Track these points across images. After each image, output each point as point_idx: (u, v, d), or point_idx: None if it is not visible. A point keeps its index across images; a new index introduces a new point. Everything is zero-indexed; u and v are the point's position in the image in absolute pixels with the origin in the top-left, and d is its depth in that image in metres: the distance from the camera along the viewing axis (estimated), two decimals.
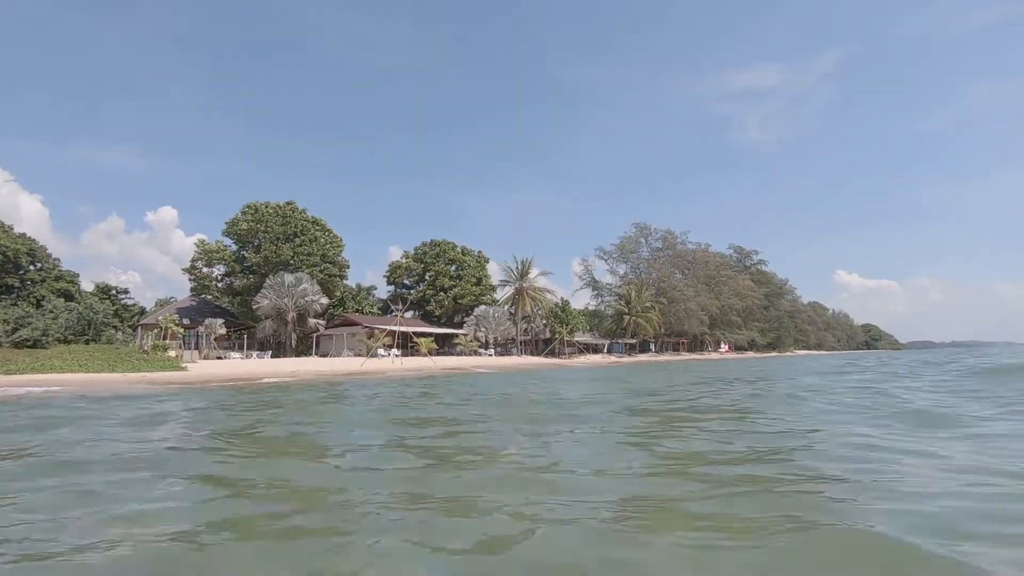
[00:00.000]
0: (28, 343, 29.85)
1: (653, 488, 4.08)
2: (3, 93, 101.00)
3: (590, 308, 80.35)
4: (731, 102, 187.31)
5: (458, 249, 61.88)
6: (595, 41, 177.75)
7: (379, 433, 7.52)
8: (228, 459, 5.71)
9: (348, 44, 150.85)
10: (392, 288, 63.48)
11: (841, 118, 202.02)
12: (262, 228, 46.50)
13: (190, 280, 49.21)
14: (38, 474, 4.85)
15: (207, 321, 39.09)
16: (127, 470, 4.97)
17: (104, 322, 34.80)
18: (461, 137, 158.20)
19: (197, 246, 48.31)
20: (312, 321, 46.02)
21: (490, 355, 51.05)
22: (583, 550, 2.79)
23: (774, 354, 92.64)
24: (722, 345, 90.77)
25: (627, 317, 70.80)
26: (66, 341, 31.74)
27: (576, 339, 64.41)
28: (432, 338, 48.51)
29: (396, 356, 42.45)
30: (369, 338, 43.56)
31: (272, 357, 39.57)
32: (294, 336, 44.88)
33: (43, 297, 39.47)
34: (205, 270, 48.93)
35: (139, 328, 41.45)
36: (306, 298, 43.99)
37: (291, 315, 43.55)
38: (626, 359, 62.74)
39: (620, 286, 79.21)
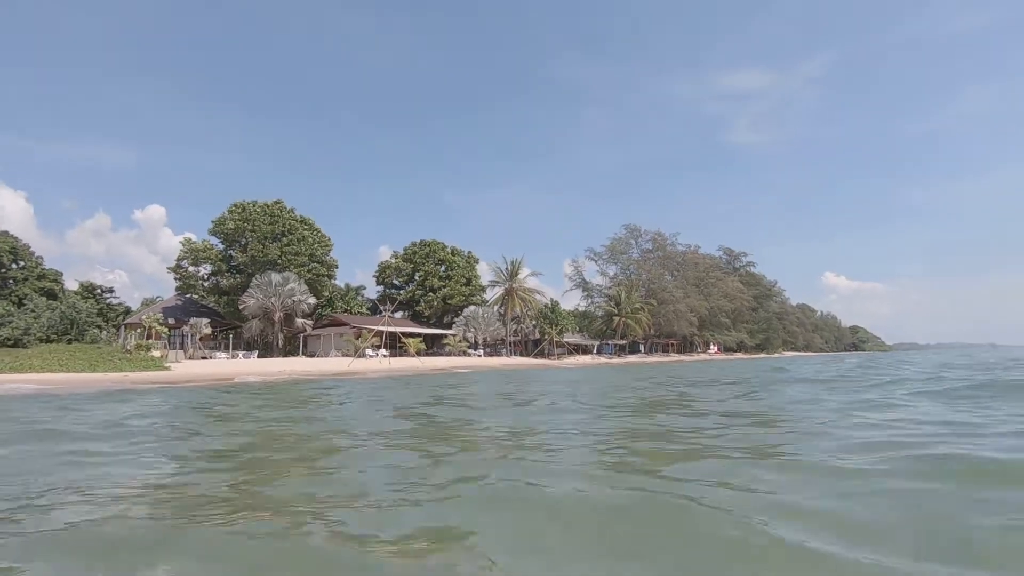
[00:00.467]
0: (9, 342, 29.51)
1: None
2: None
3: (580, 309, 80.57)
4: (722, 103, 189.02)
5: (448, 249, 61.83)
6: (589, 40, 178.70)
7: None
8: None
9: (342, 40, 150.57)
10: (381, 288, 63.30)
11: (830, 120, 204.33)
12: (249, 227, 46.19)
13: (176, 279, 48.80)
14: None
15: (192, 321, 38.76)
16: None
17: (87, 321, 34.40)
18: (452, 135, 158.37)
19: (183, 245, 47.95)
20: (299, 321, 45.77)
21: (479, 355, 51.04)
22: None
23: (763, 355, 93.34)
24: (711, 346, 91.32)
25: (617, 318, 71.06)
26: (48, 340, 31.36)
27: (566, 340, 64.56)
28: (421, 338, 48.43)
29: (384, 356, 42.36)
30: (357, 338, 43.40)
31: (259, 357, 39.30)
32: (281, 336, 44.62)
33: (25, 296, 38.98)
34: (191, 269, 48.54)
35: (123, 328, 41.01)
36: (293, 298, 43.75)
37: (278, 315, 43.29)
38: (616, 360, 62.96)
39: (610, 287, 79.50)
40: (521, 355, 59.33)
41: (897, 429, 6.01)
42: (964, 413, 7.21)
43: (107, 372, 22.53)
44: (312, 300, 45.84)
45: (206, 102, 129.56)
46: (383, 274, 62.54)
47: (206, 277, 49.35)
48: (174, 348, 38.12)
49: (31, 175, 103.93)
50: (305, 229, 49.10)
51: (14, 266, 43.18)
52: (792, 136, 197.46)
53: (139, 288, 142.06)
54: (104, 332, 37.44)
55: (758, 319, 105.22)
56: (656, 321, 77.18)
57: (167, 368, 25.90)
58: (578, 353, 65.42)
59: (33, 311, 32.64)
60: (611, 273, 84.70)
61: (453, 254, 61.72)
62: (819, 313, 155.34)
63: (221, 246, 48.43)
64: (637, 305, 72.51)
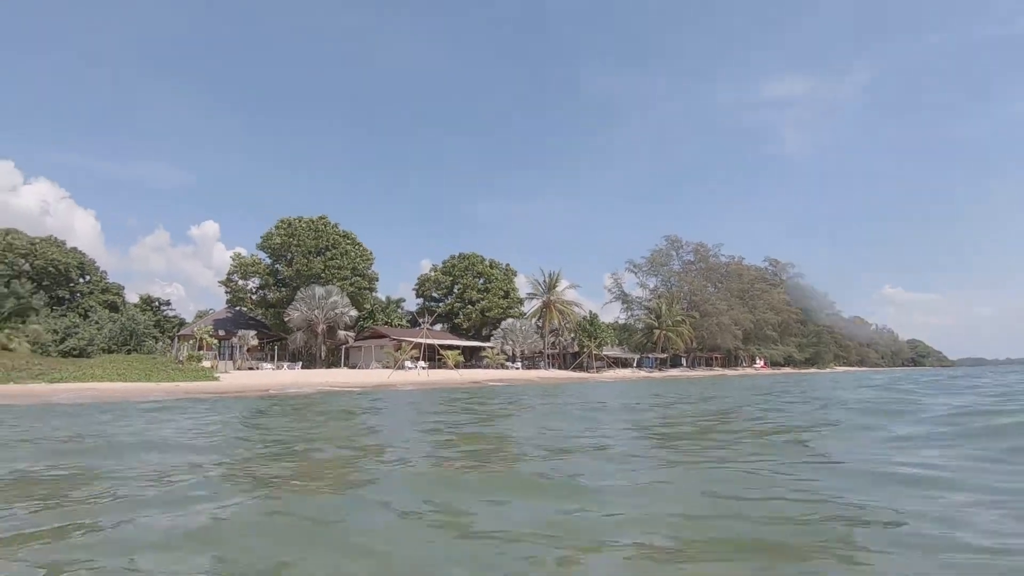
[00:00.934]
0: (75, 352, 31.41)
1: None
2: (59, 108, 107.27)
3: (620, 322, 79.57)
4: (766, 110, 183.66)
5: (486, 262, 62.34)
6: (627, 51, 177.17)
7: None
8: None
9: (382, 62, 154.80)
10: (421, 301, 64.28)
11: (880, 127, 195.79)
12: (295, 242, 47.84)
13: (226, 292, 50.90)
14: None
15: (240, 332, 40.26)
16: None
17: (145, 333, 36.32)
18: (491, 148, 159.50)
19: (233, 259, 50.05)
20: (342, 333, 46.88)
21: (517, 368, 50.96)
22: None
23: (812, 370, 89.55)
24: (757, 361, 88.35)
25: (657, 331, 69.78)
26: (109, 350, 33.24)
27: (605, 353, 63.75)
28: (459, 351, 48.80)
29: (423, 368, 42.85)
30: (396, 350, 44.09)
31: (303, 368, 40.43)
32: (324, 348, 45.78)
33: (90, 308, 41.47)
34: (240, 283, 50.54)
35: (177, 339, 42.98)
36: (336, 310, 44.91)
37: (321, 327, 44.49)
38: (656, 374, 61.67)
39: (650, 299, 78.26)
40: (559, 368, 58.89)
41: None
42: None
43: (160, 382, 23.61)
44: (353, 313, 46.93)
45: (255, 119, 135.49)
46: (423, 287, 63.53)
47: (254, 290, 51.29)
48: (223, 359, 39.65)
49: (99, 193, 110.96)
50: (347, 243, 50.48)
51: (81, 280, 46.04)
52: (839, 143, 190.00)
53: (194, 300, 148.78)
54: (159, 343, 39.35)
55: (807, 332, 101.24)
56: (699, 334, 75.37)
57: (216, 378, 26.94)
58: (617, 366, 64.43)
59: (97, 323, 34.66)
60: (651, 285, 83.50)
61: (491, 267, 62.17)
62: (874, 326, 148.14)
63: (268, 260, 50.33)
64: (678, 318, 71.07)
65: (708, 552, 2.68)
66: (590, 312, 65.20)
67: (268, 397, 19.42)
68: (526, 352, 55.73)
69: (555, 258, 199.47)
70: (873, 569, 2.40)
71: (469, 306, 59.01)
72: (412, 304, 66.21)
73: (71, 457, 6.27)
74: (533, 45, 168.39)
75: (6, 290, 34.56)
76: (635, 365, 69.42)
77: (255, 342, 41.00)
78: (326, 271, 47.49)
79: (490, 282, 60.78)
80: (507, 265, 63.73)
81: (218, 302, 54.58)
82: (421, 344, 44.42)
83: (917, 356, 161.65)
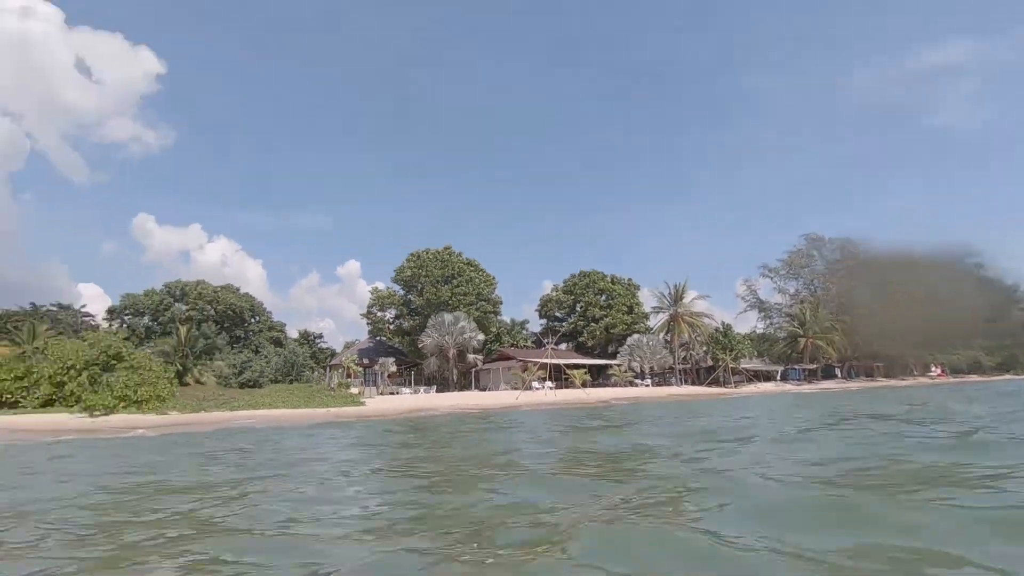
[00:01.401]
0: (249, 383, 36.19)
1: None
2: (231, 174, 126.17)
3: (757, 331, 73.44)
4: (920, 83, 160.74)
5: (607, 278, 61.45)
6: (769, 49, 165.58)
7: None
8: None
9: (502, 96, 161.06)
10: (544, 321, 64.90)
11: None
12: (424, 273, 51.10)
13: (367, 324, 55.65)
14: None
15: (381, 360, 43.68)
16: None
17: (303, 364, 40.78)
18: (609, 163, 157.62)
19: (372, 293, 54.71)
20: (471, 356, 48.82)
21: (647, 385, 49.16)
22: None
23: (1007, 377, 75.04)
24: (932, 368, 76.04)
25: (803, 340, 63.32)
26: (276, 381, 37.79)
27: (743, 366, 59.17)
28: (585, 369, 48.29)
29: (550, 388, 43.02)
30: (523, 371, 44.81)
31: (437, 391, 42.68)
32: (455, 371, 47.97)
33: (260, 344, 47.72)
34: (379, 314, 54.98)
35: (329, 368, 47.69)
36: (464, 335, 46.96)
37: (452, 352, 46.74)
38: (806, 387, 55.76)
39: (791, 305, 71.35)
40: (692, 383, 55.71)
41: None
42: None
43: (315, 408, 26.32)
44: (481, 336, 48.73)
45: (382, 160, 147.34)
46: (545, 307, 64.17)
47: (391, 320, 55.48)
48: (368, 385, 43.22)
49: (266, 244, 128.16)
50: (471, 271, 52.81)
51: (252, 320, 53.25)
52: (1010, 112, 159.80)
53: (343, 332, 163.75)
54: (315, 372, 43.96)
55: (998, 332, 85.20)
56: (854, 341, 66.88)
57: (363, 403, 29.42)
58: (759, 380, 59.40)
59: (265, 357, 39.68)
60: (791, 290, 76.14)
61: (613, 283, 61.13)
62: None
63: (402, 292, 54.26)
64: (828, 324, 63.82)
65: None
66: (723, 323, 61.19)
67: (405, 420, 20.69)
68: (655, 368, 53.60)
69: (679, 269, 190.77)
70: None
71: (592, 324, 58.36)
72: (536, 325, 67.14)
73: (264, 469, 7.77)
74: (657, 55, 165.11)
75: (198, 332, 41.02)
76: (779, 378, 63.45)
77: (394, 368, 44.20)
78: (453, 298, 49.97)
79: (612, 298, 59.71)
80: (629, 280, 62.25)
81: (362, 333, 59.84)
82: (547, 364, 44.71)
83: None
